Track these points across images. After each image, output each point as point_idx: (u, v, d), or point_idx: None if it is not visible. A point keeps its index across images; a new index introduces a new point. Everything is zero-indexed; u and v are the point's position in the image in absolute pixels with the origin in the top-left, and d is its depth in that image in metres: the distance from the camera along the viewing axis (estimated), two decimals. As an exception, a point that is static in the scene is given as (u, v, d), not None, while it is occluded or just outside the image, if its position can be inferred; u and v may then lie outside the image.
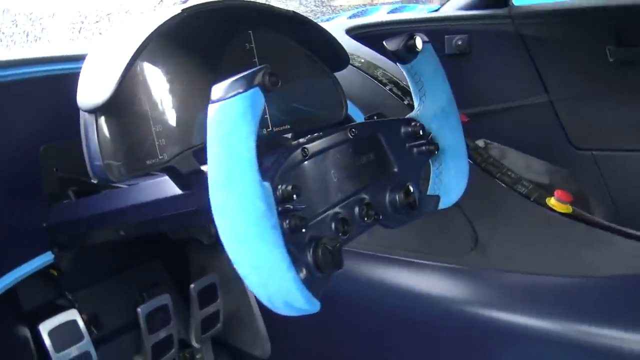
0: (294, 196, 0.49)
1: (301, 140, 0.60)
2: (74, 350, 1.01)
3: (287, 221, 0.48)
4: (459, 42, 1.66)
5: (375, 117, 0.71)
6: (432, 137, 0.69)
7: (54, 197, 0.89)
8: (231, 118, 0.43)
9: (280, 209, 0.48)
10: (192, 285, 1.09)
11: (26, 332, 0.99)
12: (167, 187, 0.66)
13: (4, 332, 0.97)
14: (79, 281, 1.11)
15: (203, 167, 0.68)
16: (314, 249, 0.52)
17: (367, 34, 1.41)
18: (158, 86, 0.60)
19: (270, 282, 0.45)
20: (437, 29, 1.65)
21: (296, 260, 0.52)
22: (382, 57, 1.23)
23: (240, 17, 0.72)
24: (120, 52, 0.53)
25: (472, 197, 0.98)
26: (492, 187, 0.97)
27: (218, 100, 0.44)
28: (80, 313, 1.01)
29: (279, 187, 0.49)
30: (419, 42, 0.65)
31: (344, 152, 0.63)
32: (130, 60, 0.52)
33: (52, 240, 0.91)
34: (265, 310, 1.15)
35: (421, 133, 0.67)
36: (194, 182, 0.64)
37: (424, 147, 0.68)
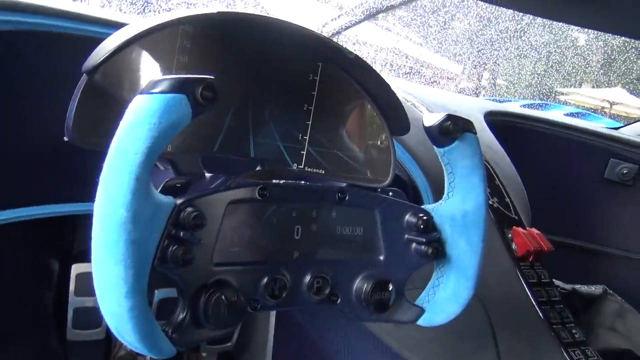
0: (193, 226, 0.43)
1: (276, 181, 0.54)
2: (89, 301, 1.05)
3: (173, 248, 0.43)
4: (624, 171, 1.42)
5: (390, 193, 0.62)
6: (438, 239, 0.57)
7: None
8: (137, 113, 0.40)
9: (173, 232, 0.43)
10: None
11: (57, 266, 1.06)
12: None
13: (39, 259, 1.05)
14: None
15: (207, 174, 0.66)
16: (210, 294, 0.46)
17: (504, 123, 1.27)
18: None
19: (106, 299, 0.40)
20: (603, 147, 1.44)
21: (184, 297, 0.46)
22: (502, 154, 1.10)
23: (312, 47, 0.69)
24: (133, 28, 0.53)
25: (515, 334, 0.81)
26: (543, 337, 0.79)
27: (141, 92, 0.41)
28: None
29: (187, 209, 0.44)
30: (454, 128, 0.55)
31: (324, 213, 0.55)
32: (132, 37, 0.52)
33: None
34: (278, 346, 1.10)
35: (423, 228, 0.56)
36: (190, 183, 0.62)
37: (423, 247, 0.57)
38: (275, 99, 0.69)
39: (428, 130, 0.56)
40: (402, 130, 0.72)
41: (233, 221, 0.49)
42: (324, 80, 0.70)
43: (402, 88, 1.16)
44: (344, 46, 0.67)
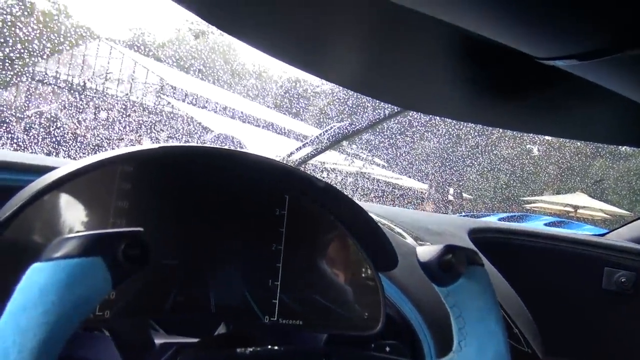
0: None
1: (241, 351, 0.42)
2: None
3: None
4: (622, 279, 1.33)
5: (387, 349, 0.49)
6: (458, 406, 0.44)
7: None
8: (28, 291, 0.29)
9: None
10: None
11: None
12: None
13: None
14: None
15: (157, 341, 0.53)
16: None
17: (489, 240, 1.19)
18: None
19: None
20: (595, 257, 1.35)
21: None
22: (497, 276, 1.00)
23: (277, 178, 0.60)
24: (55, 173, 0.44)
25: None
26: None
27: (38, 259, 0.30)
28: None
29: None
30: (458, 263, 0.44)
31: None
32: (51, 184, 0.42)
33: None
34: None
35: (437, 395, 0.44)
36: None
37: (439, 419, 0.44)
38: (238, 242, 0.59)
39: (425, 267, 0.46)
40: (390, 265, 0.61)
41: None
42: (293, 214, 0.61)
43: (373, 211, 1.08)
44: (312, 175, 0.59)
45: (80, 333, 0.66)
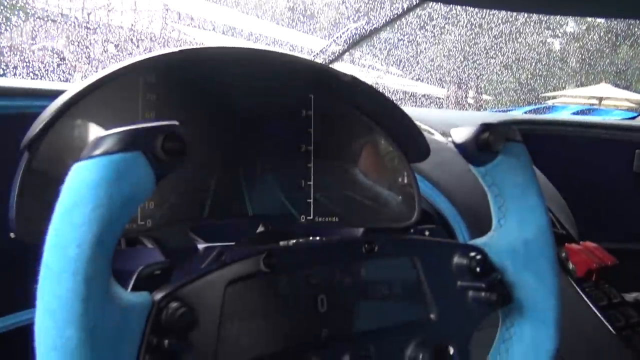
0: (181, 328, 0.31)
1: (284, 243, 0.43)
2: None
3: None
4: (655, 160, 1.31)
5: (427, 232, 0.50)
6: (500, 280, 0.45)
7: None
8: (76, 189, 0.29)
9: (155, 342, 0.31)
10: None
11: None
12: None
13: None
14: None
15: (200, 245, 0.55)
16: None
17: (525, 132, 1.17)
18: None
19: None
20: (626, 140, 1.32)
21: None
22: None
23: (300, 76, 0.58)
24: (77, 87, 0.43)
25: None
26: None
27: (79, 159, 0.30)
28: None
29: (170, 306, 0.32)
30: (495, 140, 0.43)
31: (351, 273, 0.43)
32: (75, 95, 0.41)
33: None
34: None
35: (479, 270, 0.44)
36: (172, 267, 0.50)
37: (482, 294, 0.44)
38: (267, 145, 0.58)
39: (462, 147, 0.45)
40: (422, 155, 0.61)
41: (236, 307, 0.37)
42: (319, 114, 0.60)
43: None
44: (336, 69, 0.57)
45: (125, 249, 0.68)
